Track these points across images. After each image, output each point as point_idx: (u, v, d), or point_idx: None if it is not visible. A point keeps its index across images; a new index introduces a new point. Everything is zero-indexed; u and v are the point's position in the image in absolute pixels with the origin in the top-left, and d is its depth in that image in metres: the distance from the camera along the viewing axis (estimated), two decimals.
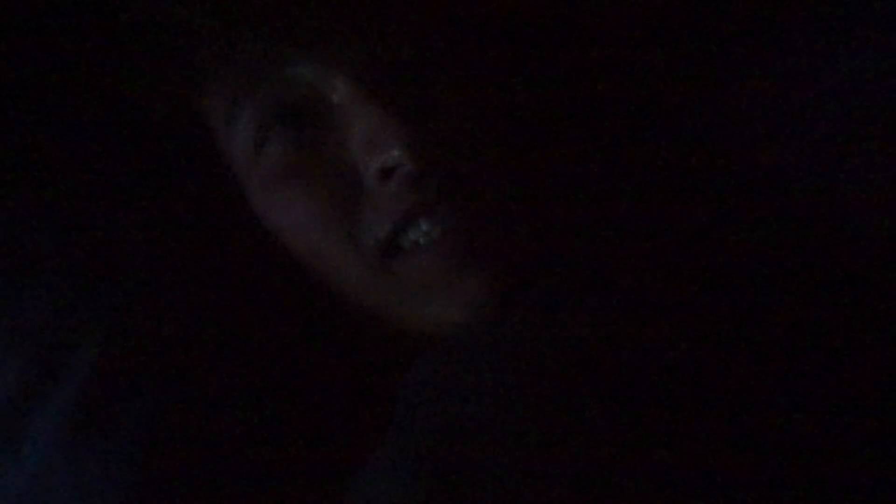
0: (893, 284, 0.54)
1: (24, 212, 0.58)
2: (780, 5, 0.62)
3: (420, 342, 0.57)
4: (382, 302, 0.58)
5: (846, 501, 0.46)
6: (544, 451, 0.47)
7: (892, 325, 0.52)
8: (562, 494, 0.45)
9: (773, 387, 0.49)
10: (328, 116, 0.55)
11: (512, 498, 0.46)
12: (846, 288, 0.54)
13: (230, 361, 0.56)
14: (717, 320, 0.52)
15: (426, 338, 0.57)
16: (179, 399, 0.54)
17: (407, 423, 0.52)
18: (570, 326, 0.53)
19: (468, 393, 0.51)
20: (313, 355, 0.58)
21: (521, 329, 0.54)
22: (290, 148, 0.56)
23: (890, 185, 0.56)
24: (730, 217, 0.59)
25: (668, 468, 0.46)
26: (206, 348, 0.56)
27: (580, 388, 0.49)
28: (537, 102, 0.61)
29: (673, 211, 0.59)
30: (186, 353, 0.55)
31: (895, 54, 0.57)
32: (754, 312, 0.53)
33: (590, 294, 0.55)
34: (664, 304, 0.53)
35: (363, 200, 0.55)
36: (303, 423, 0.55)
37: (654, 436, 0.47)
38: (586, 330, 0.52)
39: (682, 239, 0.58)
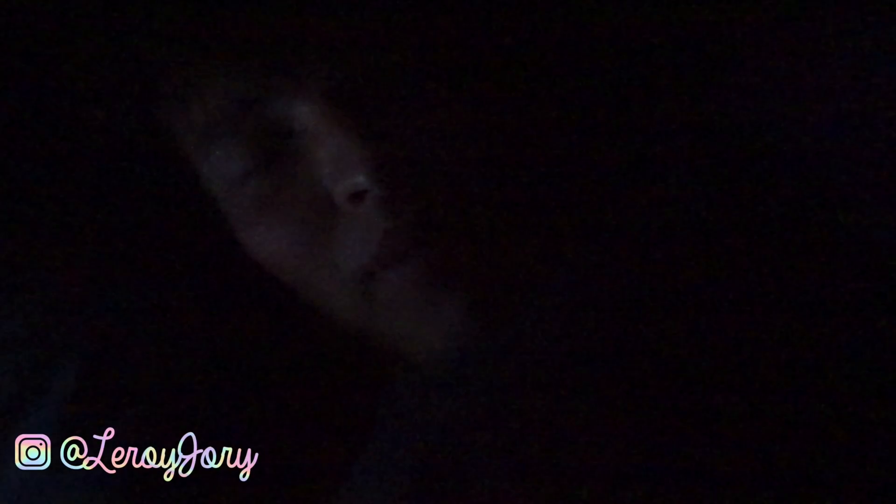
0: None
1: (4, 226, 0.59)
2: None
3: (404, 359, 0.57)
4: (363, 324, 0.58)
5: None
6: (529, 456, 0.47)
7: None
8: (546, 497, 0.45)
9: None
10: (296, 142, 0.56)
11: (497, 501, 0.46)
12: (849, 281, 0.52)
13: (213, 375, 0.56)
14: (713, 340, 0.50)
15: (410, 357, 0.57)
16: (163, 412, 0.54)
17: (391, 430, 0.52)
18: (555, 331, 0.52)
19: (454, 398, 0.50)
20: (298, 371, 0.58)
21: (506, 337, 0.53)
22: (263, 177, 0.56)
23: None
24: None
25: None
26: (190, 362, 0.56)
27: (565, 391, 0.48)
28: (507, 124, 0.60)
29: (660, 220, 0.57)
30: (169, 368, 0.55)
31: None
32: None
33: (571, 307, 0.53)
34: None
35: (339, 226, 0.55)
36: (287, 435, 0.55)
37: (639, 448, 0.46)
38: (571, 337, 0.51)
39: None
